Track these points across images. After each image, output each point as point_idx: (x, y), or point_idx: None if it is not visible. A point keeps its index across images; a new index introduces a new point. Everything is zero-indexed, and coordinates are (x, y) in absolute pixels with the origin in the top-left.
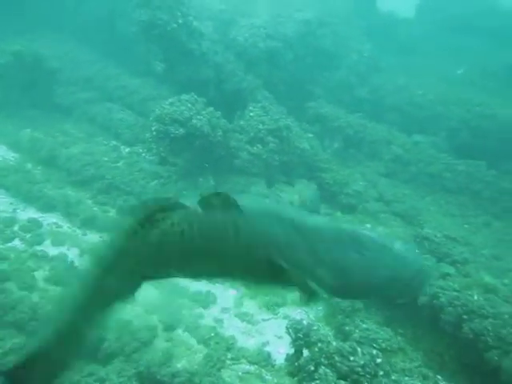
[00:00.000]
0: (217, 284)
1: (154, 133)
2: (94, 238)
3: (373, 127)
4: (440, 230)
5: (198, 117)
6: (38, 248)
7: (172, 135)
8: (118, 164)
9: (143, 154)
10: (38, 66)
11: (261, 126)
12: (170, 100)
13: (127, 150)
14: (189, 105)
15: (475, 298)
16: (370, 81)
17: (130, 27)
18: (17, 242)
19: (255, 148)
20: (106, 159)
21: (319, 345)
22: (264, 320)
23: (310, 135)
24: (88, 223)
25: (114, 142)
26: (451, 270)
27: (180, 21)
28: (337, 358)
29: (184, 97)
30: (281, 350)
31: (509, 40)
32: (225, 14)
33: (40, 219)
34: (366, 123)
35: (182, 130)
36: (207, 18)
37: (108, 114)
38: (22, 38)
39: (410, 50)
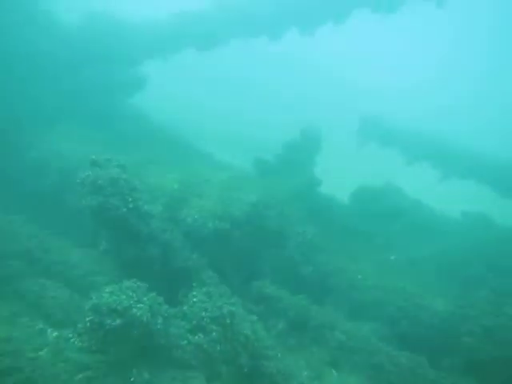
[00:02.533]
0: None
1: (88, 324)
2: None
3: (316, 310)
4: None
5: (139, 305)
6: None
7: (108, 327)
8: (41, 353)
9: (72, 340)
10: None
11: (204, 314)
12: (110, 288)
13: (55, 334)
14: (130, 293)
15: None
16: (313, 261)
17: (77, 202)
18: None
19: (196, 337)
20: (27, 347)
21: None
22: None
23: (254, 317)
24: None
25: (41, 325)
26: None
27: (131, 205)
28: None
29: (125, 284)
30: None
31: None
32: (177, 193)
33: None
34: (309, 305)
35: (119, 321)
36: (159, 197)
37: (40, 291)
38: None
39: (348, 233)
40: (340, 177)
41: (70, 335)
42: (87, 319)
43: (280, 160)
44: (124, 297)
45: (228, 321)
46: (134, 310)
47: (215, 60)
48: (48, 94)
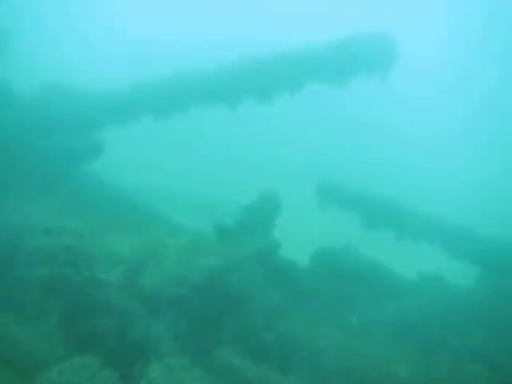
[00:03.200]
0: None
1: None
2: None
3: (280, 381)
4: None
5: (92, 383)
6: None
7: None
8: None
9: None
10: None
11: None
12: (59, 367)
13: None
14: (81, 371)
15: None
16: (276, 327)
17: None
18: None
19: None
20: None
21: None
22: None
23: None
24: None
25: None
26: None
27: (85, 274)
28: None
29: (76, 361)
30: None
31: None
32: (135, 259)
33: None
34: (272, 376)
35: None
36: (117, 263)
37: None
38: None
39: (310, 296)
40: (300, 239)
41: None
42: None
43: (239, 223)
44: (74, 376)
45: None
46: None
47: (175, 125)
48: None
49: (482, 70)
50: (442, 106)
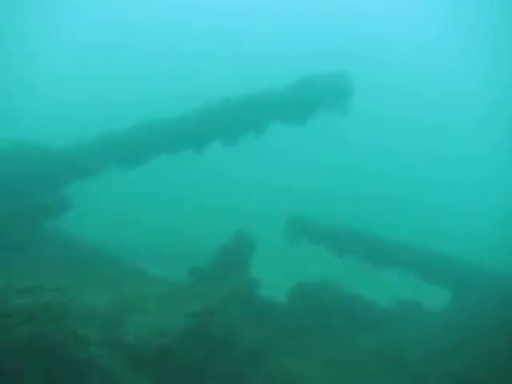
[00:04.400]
0: None
1: None
2: None
3: None
4: None
5: None
6: None
7: None
8: None
9: None
10: None
11: None
12: None
13: None
14: None
15: None
16: (263, 368)
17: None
18: None
19: None
20: None
21: None
22: None
23: None
24: None
25: None
26: None
27: (66, 331)
28: None
29: None
30: None
31: None
32: (113, 313)
33: None
34: None
35: None
36: (94, 318)
37: None
38: None
39: (293, 333)
40: (276, 276)
41: None
42: None
43: (214, 266)
44: None
45: None
46: None
47: (141, 175)
48: None
49: None
50: None
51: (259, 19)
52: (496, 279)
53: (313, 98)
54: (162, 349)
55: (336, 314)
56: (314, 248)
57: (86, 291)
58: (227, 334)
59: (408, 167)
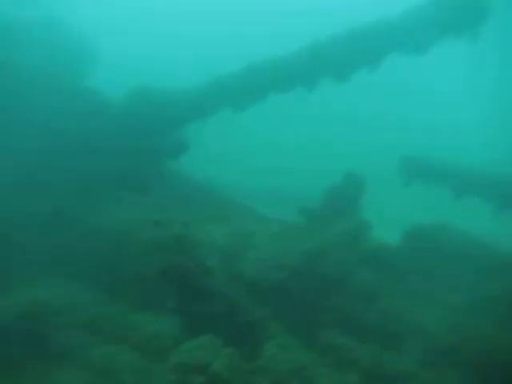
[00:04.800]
0: None
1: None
2: None
3: (391, 359)
4: None
5: (218, 360)
6: None
7: None
8: None
9: None
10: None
11: (281, 367)
12: (187, 346)
13: None
14: (207, 349)
15: None
16: (375, 307)
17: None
18: None
19: None
20: None
21: None
22: None
23: (327, 370)
24: None
25: None
26: None
27: (195, 262)
28: None
29: (202, 340)
30: None
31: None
32: (231, 249)
33: None
34: (382, 354)
35: (201, 379)
36: (215, 252)
37: (110, 358)
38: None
39: (405, 275)
40: (389, 218)
41: None
42: (170, 378)
43: (325, 207)
44: (203, 353)
45: (307, 373)
46: (214, 366)
47: (253, 116)
48: (97, 168)
49: None
50: None
51: None
52: None
53: (436, 23)
54: (279, 282)
55: (452, 257)
56: (429, 188)
57: (206, 227)
58: (340, 272)
59: None
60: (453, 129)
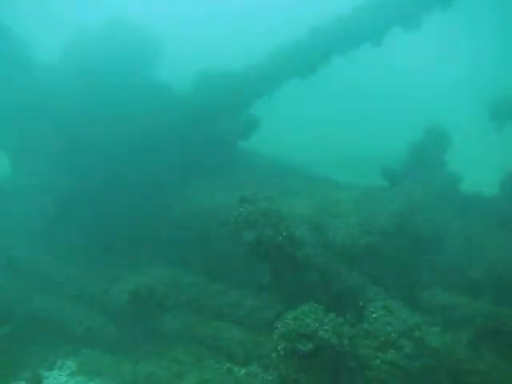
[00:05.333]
0: None
1: (282, 352)
2: None
3: (507, 313)
4: None
5: (324, 327)
6: None
7: (301, 353)
8: None
9: (261, 375)
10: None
11: (389, 329)
12: (293, 314)
13: (243, 371)
14: (312, 316)
15: None
16: (479, 262)
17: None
18: None
19: (389, 355)
20: None
21: None
22: None
23: (438, 329)
24: None
25: (228, 364)
26: None
27: (284, 233)
28: None
29: (305, 308)
30: None
31: None
32: (316, 218)
33: None
34: (497, 310)
35: (310, 346)
36: (302, 223)
37: (217, 334)
38: (139, 273)
39: (501, 225)
40: (481, 168)
41: (258, 370)
42: (279, 347)
43: (408, 165)
44: (309, 320)
45: (417, 334)
46: (321, 333)
47: (319, 83)
48: (174, 158)
49: None
50: None
51: None
52: None
53: None
54: (369, 246)
55: None
56: None
57: (290, 200)
58: (433, 229)
59: None
60: None
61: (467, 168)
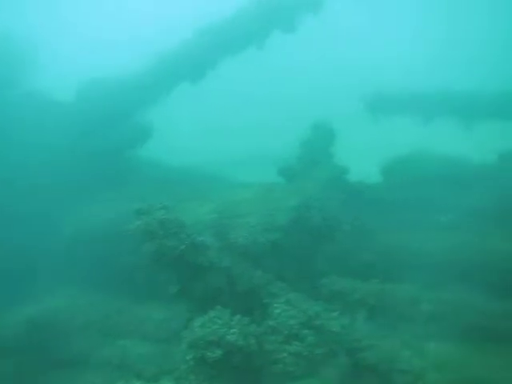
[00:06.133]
0: None
1: (191, 362)
2: None
3: (393, 289)
4: None
5: (232, 330)
6: None
7: (210, 360)
8: None
9: None
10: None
11: (292, 322)
12: (199, 322)
13: None
14: (219, 321)
15: None
16: (369, 245)
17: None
18: None
19: (294, 346)
20: None
21: None
22: None
23: (336, 314)
24: None
25: (138, 383)
26: None
27: (186, 242)
28: None
29: (211, 313)
30: None
31: None
32: (218, 221)
33: None
34: (385, 288)
35: (219, 352)
36: (203, 229)
37: (123, 353)
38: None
39: (394, 209)
40: (365, 157)
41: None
42: (188, 357)
43: (302, 161)
44: (215, 326)
45: (318, 322)
46: (228, 337)
47: (210, 86)
48: (64, 165)
49: None
50: None
51: None
52: None
53: None
54: (271, 243)
55: (433, 180)
56: (395, 119)
57: (189, 206)
58: (328, 221)
59: None
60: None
61: (352, 159)
